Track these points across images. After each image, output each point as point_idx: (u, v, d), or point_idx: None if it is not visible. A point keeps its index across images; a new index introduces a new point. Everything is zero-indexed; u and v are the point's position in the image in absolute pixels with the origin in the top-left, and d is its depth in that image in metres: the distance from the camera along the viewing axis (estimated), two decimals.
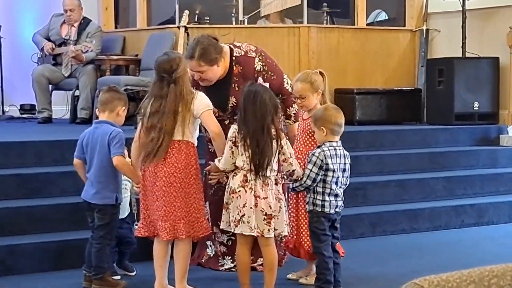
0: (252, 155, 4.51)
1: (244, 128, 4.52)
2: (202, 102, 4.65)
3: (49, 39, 9.11)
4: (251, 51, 5.25)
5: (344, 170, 4.73)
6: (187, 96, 4.60)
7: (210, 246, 5.47)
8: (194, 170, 4.65)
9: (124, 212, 5.11)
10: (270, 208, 4.55)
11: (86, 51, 8.83)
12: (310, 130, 4.91)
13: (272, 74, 5.22)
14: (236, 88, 5.14)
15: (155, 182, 4.61)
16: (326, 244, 4.68)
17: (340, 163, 4.69)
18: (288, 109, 5.26)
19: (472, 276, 2.16)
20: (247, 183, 4.54)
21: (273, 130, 4.55)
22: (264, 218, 4.55)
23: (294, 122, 5.26)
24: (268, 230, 4.57)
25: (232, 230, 4.63)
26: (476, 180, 7.43)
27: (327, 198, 4.66)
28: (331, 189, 4.66)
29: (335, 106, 4.87)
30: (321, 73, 5.04)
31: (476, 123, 8.40)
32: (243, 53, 5.23)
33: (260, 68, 5.20)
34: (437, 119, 8.49)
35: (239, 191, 4.55)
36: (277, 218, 4.60)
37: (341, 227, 5.87)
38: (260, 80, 5.06)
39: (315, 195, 4.67)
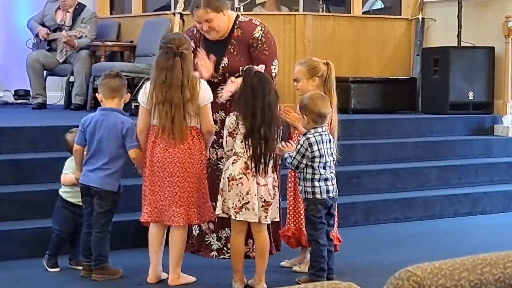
0: (254, 148, 4.54)
1: (250, 121, 4.54)
2: (206, 94, 4.70)
3: (44, 25, 9.08)
4: (256, 20, 5.34)
5: (332, 154, 4.76)
6: (193, 79, 4.64)
7: (194, 226, 5.43)
8: (204, 156, 4.74)
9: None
10: (269, 195, 4.59)
11: (81, 37, 8.81)
12: None
13: (266, 48, 5.21)
14: (232, 50, 5.23)
15: (166, 168, 4.63)
16: (322, 232, 4.70)
17: (328, 148, 4.72)
18: None
19: (465, 264, 2.17)
20: (248, 170, 4.56)
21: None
22: (262, 204, 4.58)
23: None
24: (265, 216, 4.61)
25: (233, 217, 4.62)
26: (470, 169, 7.44)
27: (316, 184, 4.68)
28: (320, 174, 4.69)
29: (322, 95, 4.84)
30: (327, 64, 5.04)
31: (471, 112, 8.40)
32: (247, 19, 5.33)
33: (259, 36, 5.22)
34: (432, 108, 8.49)
35: (240, 178, 4.56)
36: (272, 205, 4.64)
37: None
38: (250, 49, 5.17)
39: (305, 183, 4.71)
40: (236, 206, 4.57)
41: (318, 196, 4.69)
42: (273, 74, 5.16)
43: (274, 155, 4.67)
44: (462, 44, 8.59)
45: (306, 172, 4.70)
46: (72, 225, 5.03)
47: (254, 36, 5.21)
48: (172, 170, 4.63)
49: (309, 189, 4.70)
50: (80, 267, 4.97)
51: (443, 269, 2.12)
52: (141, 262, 5.08)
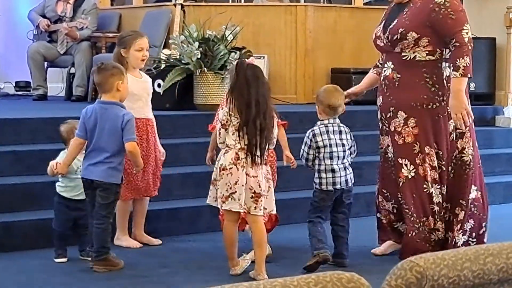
0: (250, 139, 4.56)
1: (245, 112, 4.54)
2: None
3: (44, 16, 9.07)
4: None
5: (343, 145, 4.88)
6: None
7: None
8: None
9: (82, 193, 5.01)
10: (259, 187, 4.60)
11: (81, 28, 8.80)
12: None
13: (451, 13, 4.87)
14: (404, 13, 4.99)
15: None
16: (317, 217, 4.88)
17: (335, 139, 4.86)
18: (457, 60, 4.88)
19: (468, 254, 2.17)
20: (238, 161, 4.58)
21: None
22: (252, 196, 4.60)
23: (462, 76, 4.89)
24: (255, 207, 4.62)
25: (220, 207, 4.68)
26: None
27: (323, 175, 4.85)
28: (325, 164, 4.84)
29: (336, 87, 5.06)
30: None
31: (472, 103, 8.25)
32: None
33: (441, 1, 4.88)
34: None
35: (231, 168, 4.58)
36: (266, 198, 4.66)
37: None
38: (433, 15, 4.88)
39: (315, 173, 4.90)
40: (223, 195, 4.61)
41: (324, 187, 4.85)
42: (466, 39, 4.88)
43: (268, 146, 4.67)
44: None
45: (315, 164, 4.90)
46: (66, 219, 5.01)
47: (435, 1, 4.89)
48: None
49: (317, 180, 4.90)
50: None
51: (445, 259, 2.12)
52: (143, 253, 5.08)
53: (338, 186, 4.86)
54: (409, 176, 4.98)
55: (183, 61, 7.14)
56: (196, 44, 6.99)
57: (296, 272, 4.79)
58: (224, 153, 4.64)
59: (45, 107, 8.06)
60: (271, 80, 7.37)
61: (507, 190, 7.25)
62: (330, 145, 4.86)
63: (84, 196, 4.96)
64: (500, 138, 7.94)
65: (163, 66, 7.30)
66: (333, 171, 4.85)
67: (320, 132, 4.87)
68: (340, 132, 4.92)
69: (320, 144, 4.85)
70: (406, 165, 4.97)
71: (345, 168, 4.91)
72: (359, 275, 2.06)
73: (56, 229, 5.03)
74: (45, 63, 9.00)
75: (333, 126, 4.92)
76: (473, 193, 5.10)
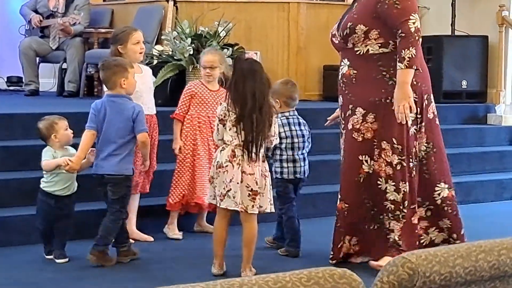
0: (246, 134, 4.53)
1: (240, 106, 4.53)
2: None
3: (36, 12, 9.05)
4: None
5: (302, 136, 5.17)
6: None
7: None
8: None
9: (72, 187, 4.98)
10: (256, 184, 4.58)
11: (74, 24, 8.79)
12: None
13: (397, 2, 4.66)
14: (353, 9, 4.86)
15: None
16: (289, 206, 5.13)
17: (296, 130, 5.15)
18: (403, 51, 4.61)
19: (459, 251, 2.17)
20: (234, 158, 4.55)
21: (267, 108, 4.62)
22: (249, 194, 4.57)
23: (406, 67, 4.61)
24: (252, 206, 4.59)
25: (218, 205, 4.65)
26: (463, 158, 7.44)
27: (284, 164, 5.14)
28: (287, 155, 5.13)
29: (291, 80, 5.37)
30: None
31: (464, 101, 8.41)
32: None
33: None
34: None
35: (227, 166, 4.56)
36: (263, 195, 4.62)
37: (327, 203, 5.92)
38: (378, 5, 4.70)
39: (275, 163, 5.16)
40: (221, 193, 4.59)
41: (285, 176, 5.14)
42: (412, 29, 4.61)
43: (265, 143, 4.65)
44: (456, 33, 8.60)
45: (275, 154, 5.14)
46: (49, 219, 4.95)
47: None
48: None
49: (278, 169, 5.16)
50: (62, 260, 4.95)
51: (437, 256, 2.13)
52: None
53: (298, 175, 5.16)
54: (370, 172, 4.80)
55: (175, 57, 7.14)
56: (189, 40, 6.99)
57: (286, 267, 4.80)
58: (221, 150, 4.62)
59: (37, 103, 8.05)
60: None
61: (498, 188, 7.27)
62: (292, 136, 5.14)
63: (65, 192, 4.91)
64: (492, 136, 7.97)
65: (155, 62, 7.30)
66: (294, 161, 5.14)
67: (282, 124, 5.11)
68: (299, 124, 5.20)
69: (282, 135, 5.07)
70: (366, 161, 4.79)
71: (304, 158, 5.21)
72: (351, 271, 2.07)
73: (40, 227, 5.00)
74: (37, 58, 8.99)
75: (293, 118, 5.20)
76: (445, 192, 4.92)
